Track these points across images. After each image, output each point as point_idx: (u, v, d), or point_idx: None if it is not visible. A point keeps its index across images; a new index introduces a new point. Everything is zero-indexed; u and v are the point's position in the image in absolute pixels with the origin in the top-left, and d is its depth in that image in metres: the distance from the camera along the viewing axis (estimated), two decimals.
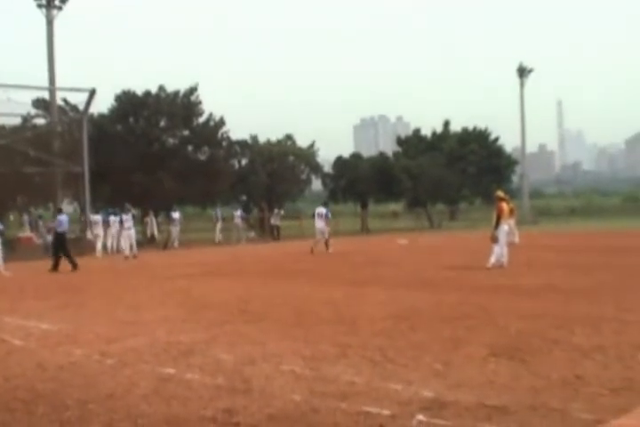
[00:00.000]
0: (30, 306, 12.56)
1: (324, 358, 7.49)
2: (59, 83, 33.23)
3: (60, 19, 34.31)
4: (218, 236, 35.10)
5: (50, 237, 28.78)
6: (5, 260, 21.01)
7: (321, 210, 25.58)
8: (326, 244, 25.06)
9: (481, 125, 65.69)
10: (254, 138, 47.57)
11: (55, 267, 20.62)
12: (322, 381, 6.54)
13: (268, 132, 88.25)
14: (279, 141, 49.17)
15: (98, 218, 28.77)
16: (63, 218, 21.65)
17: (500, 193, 18.31)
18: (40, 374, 7.25)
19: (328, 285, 14.78)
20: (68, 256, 20.92)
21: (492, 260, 16.94)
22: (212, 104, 38.85)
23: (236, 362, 7.40)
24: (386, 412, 5.48)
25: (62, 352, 8.26)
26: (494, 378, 6.45)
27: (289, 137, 49.84)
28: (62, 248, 21.07)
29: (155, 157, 36.69)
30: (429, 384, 6.26)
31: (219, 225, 35.49)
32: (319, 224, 25.27)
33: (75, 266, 20.63)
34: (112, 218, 28.46)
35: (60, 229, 21.39)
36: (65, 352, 8.25)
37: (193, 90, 39.64)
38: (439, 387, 6.16)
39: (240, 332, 9.22)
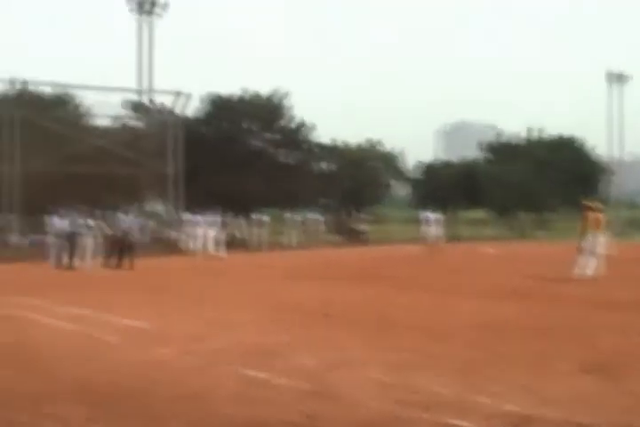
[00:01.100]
0: (122, 304, 12.84)
1: (408, 367, 7.42)
2: (153, 85, 34.20)
3: (158, 24, 35.34)
4: (294, 239, 34.81)
5: (139, 236, 29.57)
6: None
7: (429, 215, 25.93)
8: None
9: (570, 132, 63.90)
10: (340, 142, 47.68)
11: (119, 265, 21.43)
12: (406, 389, 6.47)
13: (354, 136, 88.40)
14: (364, 146, 49.13)
15: (188, 218, 29.20)
16: (125, 218, 22.81)
17: (589, 202, 17.75)
18: (129, 370, 7.41)
19: (414, 291, 14.66)
20: (120, 254, 21.75)
21: (578, 270, 16.46)
22: (300, 108, 39.26)
23: (320, 367, 7.40)
24: (471, 425, 5.39)
25: (151, 350, 8.43)
26: (583, 395, 6.26)
27: (374, 142, 49.77)
28: (121, 246, 22.01)
29: (242, 159, 37.09)
30: (516, 398, 6.12)
31: (295, 228, 35.24)
32: (430, 229, 25.55)
33: (119, 265, 21.35)
34: (200, 219, 28.93)
35: (124, 229, 22.37)
36: (153, 350, 8.41)
37: (282, 93, 40.00)
38: (526, 402, 6.01)
39: (324, 336, 9.24)
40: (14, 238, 28.35)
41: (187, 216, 29.51)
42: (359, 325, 10.16)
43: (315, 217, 36.65)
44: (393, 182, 50.80)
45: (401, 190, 56.96)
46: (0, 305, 12.63)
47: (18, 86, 28.87)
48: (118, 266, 21.42)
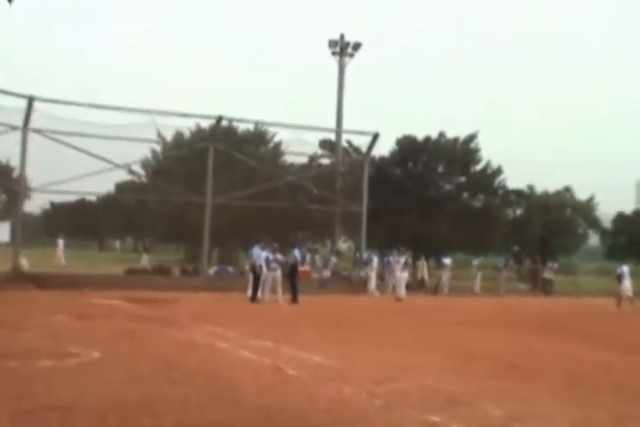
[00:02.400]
0: (305, 338, 13.14)
1: (595, 425, 7.11)
2: (345, 125, 35.07)
3: (351, 65, 36.28)
4: (477, 284, 33.97)
5: (327, 273, 30.17)
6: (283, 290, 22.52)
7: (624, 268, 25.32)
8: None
9: None
10: (531, 188, 46.41)
11: (294, 298, 22.11)
12: None
13: (546, 182, 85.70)
14: (557, 193, 47.48)
15: (372, 257, 29.41)
16: (296, 252, 23.65)
17: None
18: (311, 405, 7.52)
19: (605, 347, 13.87)
20: (294, 288, 22.37)
21: None
22: (490, 151, 38.73)
23: (504, 418, 7.20)
24: None
25: (333, 387, 8.52)
26: None
27: (567, 189, 47.97)
28: (292, 280, 22.64)
29: (430, 201, 37.07)
30: None
31: (478, 275, 34.36)
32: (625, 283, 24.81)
33: (294, 299, 21.97)
34: (375, 258, 29.09)
35: (292, 263, 23.13)
36: (335, 387, 8.49)
37: (472, 137, 39.70)
38: None
39: (509, 388, 8.95)
40: (212, 270, 29.75)
41: (370, 256, 29.64)
42: (547, 378, 9.75)
43: (501, 263, 35.74)
44: (586, 232, 48.59)
45: (593, 240, 54.46)
46: (195, 333, 13.36)
47: (224, 123, 30.53)
48: (294, 300, 22.00)
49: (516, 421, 7.10)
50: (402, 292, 26.09)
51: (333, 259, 32.15)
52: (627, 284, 25.14)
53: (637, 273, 28.28)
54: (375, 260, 29.07)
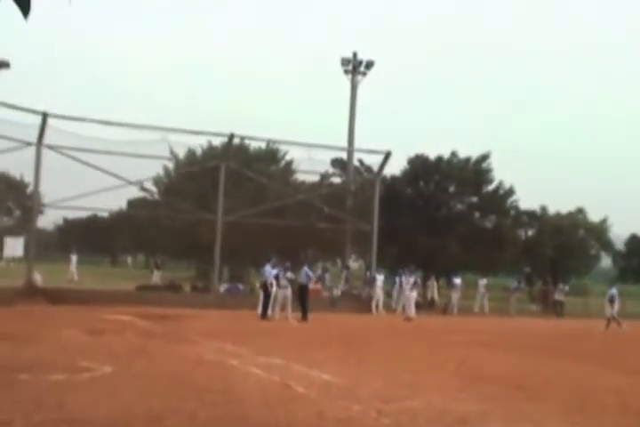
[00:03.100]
0: (314, 356, 13.16)
1: None
2: (356, 144, 35.15)
3: (363, 84, 36.39)
4: (486, 304, 33.65)
5: (337, 291, 30.19)
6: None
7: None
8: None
9: None
10: (543, 208, 46.32)
11: (304, 317, 22.25)
12: None
13: (559, 203, 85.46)
14: (570, 214, 47.36)
15: (375, 276, 29.36)
16: (305, 271, 23.67)
17: None
18: (320, 423, 7.57)
19: (613, 369, 13.85)
20: (303, 307, 22.57)
21: None
22: (502, 172, 38.62)
23: None
24: None
25: (341, 405, 8.55)
26: None
27: (580, 210, 47.85)
28: (302, 298, 22.84)
29: (441, 221, 37.04)
30: None
31: (485, 296, 34.06)
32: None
33: (304, 317, 22.13)
34: (380, 278, 29.13)
35: (302, 281, 23.21)
36: (343, 405, 8.53)
37: (485, 157, 39.73)
38: None
39: (516, 408, 8.96)
40: (222, 287, 29.82)
41: (377, 275, 29.58)
42: (554, 400, 9.74)
43: (513, 284, 35.59)
44: (598, 254, 48.33)
45: (605, 262, 54.21)
46: (207, 350, 13.44)
47: (236, 141, 30.66)
48: (304, 318, 22.06)
49: None
50: (412, 311, 26.09)
51: (345, 274, 32.11)
52: (616, 307, 25.68)
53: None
54: (380, 279, 29.03)
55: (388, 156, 31.32)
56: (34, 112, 24.80)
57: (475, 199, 39.77)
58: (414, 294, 26.95)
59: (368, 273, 31.00)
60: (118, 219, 55.72)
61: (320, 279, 31.35)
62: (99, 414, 7.36)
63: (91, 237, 63.18)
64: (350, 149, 35.19)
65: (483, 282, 34.09)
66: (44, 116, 24.75)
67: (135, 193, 32.84)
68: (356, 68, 35.95)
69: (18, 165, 27.44)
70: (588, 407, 9.36)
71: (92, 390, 8.77)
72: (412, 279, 27.90)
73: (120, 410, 7.62)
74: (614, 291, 26.17)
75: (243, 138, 31.87)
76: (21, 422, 6.93)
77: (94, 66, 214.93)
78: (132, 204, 39.47)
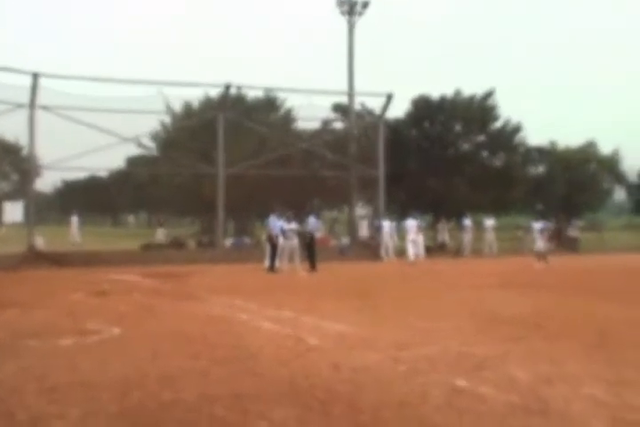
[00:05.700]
0: (325, 307, 12.95)
1: (629, 385, 6.84)
2: (357, 87, 34.33)
3: (360, 25, 35.38)
4: (494, 245, 32.83)
5: (346, 240, 29.94)
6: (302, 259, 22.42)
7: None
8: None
9: None
10: (553, 144, 45.41)
11: (312, 267, 21.98)
12: (626, 408, 5.99)
13: (569, 137, 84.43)
14: (580, 148, 46.46)
15: (381, 223, 28.90)
16: (312, 221, 23.32)
17: None
18: (335, 374, 7.35)
19: (632, 304, 13.58)
20: (311, 257, 22.29)
21: None
22: (509, 108, 37.66)
23: (532, 380, 6.99)
24: None
25: (356, 355, 8.34)
26: None
27: (591, 144, 46.92)
28: (309, 248, 22.55)
29: (449, 162, 36.55)
30: None
31: (489, 235, 33.20)
32: None
33: (312, 267, 21.88)
34: (386, 224, 28.59)
35: (309, 231, 22.94)
36: (359, 355, 8.31)
37: (489, 94, 39.00)
38: None
39: (536, 349, 8.72)
40: (228, 242, 29.57)
41: (383, 221, 29.05)
42: (575, 338, 9.50)
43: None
44: (611, 187, 47.56)
45: (619, 195, 53.46)
46: (215, 306, 13.24)
47: (233, 91, 29.98)
48: (312, 268, 21.79)
49: (544, 383, 6.89)
50: (411, 256, 26.16)
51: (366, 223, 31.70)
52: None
53: None
54: (386, 225, 28.56)
55: (390, 97, 30.55)
56: (24, 73, 24.30)
57: (482, 138, 39.18)
58: (417, 238, 26.75)
59: (375, 220, 30.63)
60: (118, 178, 55.36)
61: (330, 230, 31.06)
62: (111, 376, 7.22)
63: (91, 197, 62.97)
64: (351, 93, 34.23)
65: (490, 222, 32.61)
66: (35, 76, 24.24)
67: (133, 150, 32.38)
68: (352, 8, 34.93)
69: (12, 129, 27.02)
70: (609, 344, 9.12)
71: (102, 352, 8.60)
72: (414, 223, 27.30)
73: (132, 371, 7.46)
74: (541, 225, 25.93)
75: (240, 87, 31.15)
76: (33, 387, 6.81)
77: (83, 21, 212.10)
78: (131, 161, 39.09)
